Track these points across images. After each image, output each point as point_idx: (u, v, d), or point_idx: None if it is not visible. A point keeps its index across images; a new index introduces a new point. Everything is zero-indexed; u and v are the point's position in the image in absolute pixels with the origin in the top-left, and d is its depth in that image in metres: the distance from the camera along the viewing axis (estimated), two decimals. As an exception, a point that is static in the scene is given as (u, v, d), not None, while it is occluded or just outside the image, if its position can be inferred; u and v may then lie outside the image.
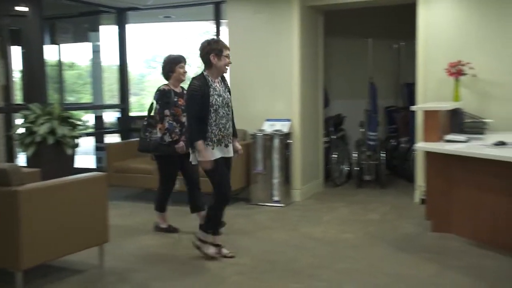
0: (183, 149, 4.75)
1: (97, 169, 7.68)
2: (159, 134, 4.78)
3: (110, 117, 9.37)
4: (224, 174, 4.17)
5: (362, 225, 5.22)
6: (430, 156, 4.81)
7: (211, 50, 4.11)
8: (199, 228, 4.34)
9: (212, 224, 4.26)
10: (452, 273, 3.85)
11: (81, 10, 8.20)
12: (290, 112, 6.36)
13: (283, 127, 6.22)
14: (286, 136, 6.18)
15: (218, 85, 4.16)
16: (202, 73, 4.17)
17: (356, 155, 7.18)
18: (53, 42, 8.56)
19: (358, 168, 7.14)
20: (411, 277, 3.81)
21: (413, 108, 5.43)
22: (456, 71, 5.60)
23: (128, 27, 8.27)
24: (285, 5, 6.33)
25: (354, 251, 4.43)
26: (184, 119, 4.78)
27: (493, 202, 4.30)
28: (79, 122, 6.62)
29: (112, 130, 8.78)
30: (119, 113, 8.53)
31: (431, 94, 5.95)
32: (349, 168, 7.54)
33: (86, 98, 10.09)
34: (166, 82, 4.90)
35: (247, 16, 6.58)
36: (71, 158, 6.49)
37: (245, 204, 6.18)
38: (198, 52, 4.16)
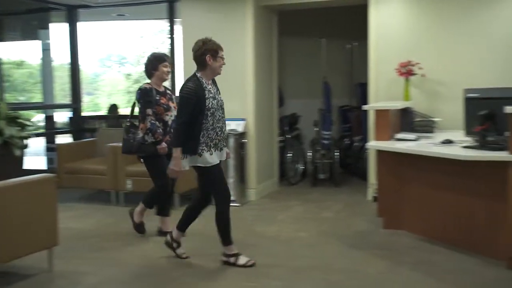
0: (165, 150, 4.62)
1: (48, 170, 7.47)
2: (141, 134, 4.64)
3: (62, 117, 9.14)
4: (223, 177, 4.12)
5: (317, 223, 5.27)
6: (381, 154, 4.90)
7: (207, 51, 3.97)
8: (223, 244, 4.09)
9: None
10: (403, 269, 3.93)
11: (29, 7, 7.96)
12: (245, 111, 6.36)
13: (238, 126, 6.21)
14: (241, 135, 6.17)
15: (211, 87, 4.02)
16: (195, 74, 3.99)
17: (311, 154, 7.25)
18: (0, 39, 8.29)
19: (313, 167, 7.21)
20: (363, 273, 3.87)
21: (365, 107, 5.52)
22: (406, 71, 5.74)
23: (80, 25, 8.09)
24: (239, 5, 6.33)
25: (309, 249, 4.46)
26: (167, 118, 4.68)
27: (442, 199, 4.42)
28: (28, 122, 6.43)
29: (64, 130, 8.57)
30: (71, 113, 8.33)
31: (383, 93, 6.07)
32: (304, 167, 7.61)
33: (38, 97, 9.81)
34: (148, 80, 4.78)
35: (201, 15, 6.54)
36: (19, 160, 6.29)
37: (200, 204, 6.13)
38: (192, 52, 4.02)
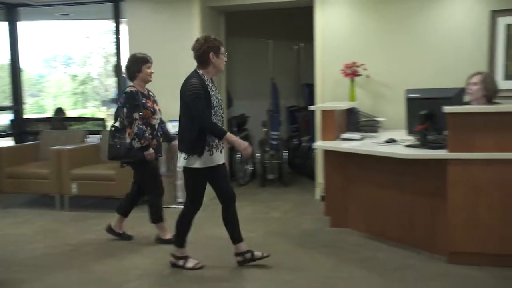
0: (152, 156, 4.52)
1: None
2: (128, 140, 4.48)
3: (3, 119, 8.80)
4: (226, 176, 4.04)
5: (265, 224, 5.29)
6: (328, 154, 4.97)
7: (209, 49, 3.89)
8: (175, 245, 4.08)
9: (238, 229, 4.11)
10: (349, 266, 4.00)
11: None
12: (193, 112, 6.31)
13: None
14: (188, 137, 6.12)
15: (211, 85, 3.92)
16: (196, 71, 3.90)
17: (260, 154, 7.27)
18: None
19: (262, 168, 7.24)
20: (311, 271, 3.91)
21: (311, 108, 5.59)
22: (351, 72, 5.84)
23: (21, 24, 7.82)
24: (186, 5, 6.29)
25: (257, 250, 4.45)
26: (154, 122, 4.56)
27: (386, 197, 4.52)
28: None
29: (5, 133, 8.26)
30: (12, 115, 8.04)
31: (329, 94, 6.17)
32: (252, 168, 7.63)
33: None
34: (131, 83, 4.63)
35: (147, 15, 6.46)
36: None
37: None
38: (194, 51, 3.94)
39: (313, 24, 6.21)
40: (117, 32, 7.25)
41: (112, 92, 10.46)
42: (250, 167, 7.60)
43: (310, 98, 7.26)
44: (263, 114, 7.52)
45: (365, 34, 6.06)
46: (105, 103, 11.97)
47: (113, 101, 8.96)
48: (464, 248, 3.90)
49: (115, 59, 7.39)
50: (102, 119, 8.98)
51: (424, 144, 4.20)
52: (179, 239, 4.05)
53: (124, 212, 4.83)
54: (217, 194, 4.07)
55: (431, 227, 4.19)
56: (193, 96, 3.74)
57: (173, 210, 5.90)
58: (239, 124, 7.71)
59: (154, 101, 4.71)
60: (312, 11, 6.21)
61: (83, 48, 13.32)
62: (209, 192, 6.41)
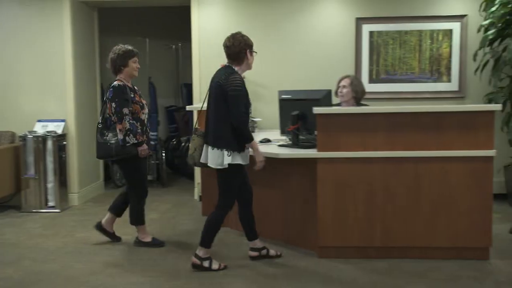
0: (146, 152, 4.35)
1: None
2: (120, 136, 4.20)
3: None
4: (247, 174, 3.98)
5: (142, 225, 5.18)
6: (205, 154, 4.98)
7: (246, 46, 3.80)
8: (199, 243, 3.91)
9: (254, 227, 4.05)
10: (228, 263, 4.03)
11: None
12: (65, 112, 6.03)
13: (57, 128, 5.87)
14: (60, 137, 5.83)
15: None
16: (232, 68, 3.80)
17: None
18: None
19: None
20: (184, 273, 3.90)
21: (189, 108, 5.57)
22: (228, 72, 5.90)
23: None
24: (55, 0, 5.97)
25: (131, 253, 4.37)
26: (143, 117, 4.36)
27: (260, 195, 4.60)
28: None
29: None
30: None
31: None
32: (130, 169, 7.43)
33: None
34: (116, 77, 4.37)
35: (14, 8, 6.03)
36: None
37: (15, 212, 5.70)
38: (228, 47, 3.84)
39: (190, 23, 6.20)
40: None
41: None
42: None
43: (189, 98, 7.25)
44: (140, 114, 7.35)
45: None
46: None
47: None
48: (332, 243, 4.12)
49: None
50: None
51: (296, 143, 4.36)
52: (209, 240, 3.90)
53: (117, 212, 4.62)
54: (240, 191, 3.99)
55: (303, 223, 4.36)
56: (237, 93, 3.69)
57: (43, 214, 5.63)
58: (115, 124, 7.48)
59: (140, 96, 4.50)
60: (189, 10, 6.19)
61: None
62: (83, 195, 6.18)
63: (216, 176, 3.92)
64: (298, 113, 4.34)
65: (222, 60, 6.02)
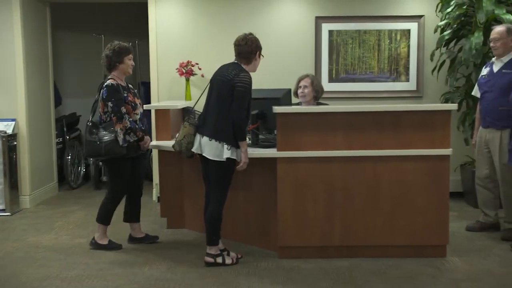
0: (149, 144, 4.44)
1: None
2: (121, 135, 4.18)
3: None
4: None
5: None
6: (163, 154, 4.93)
7: (258, 48, 3.93)
8: (207, 243, 4.02)
9: (218, 231, 4.02)
10: (183, 267, 4.01)
11: None
12: (15, 111, 5.85)
13: (7, 127, 5.71)
14: (10, 137, 5.66)
15: None
16: (240, 65, 3.91)
17: (93, 155, 6.97)
18: None
19: (96, 169, 6.95)
20: (144, 275, 3.85)
21: (146, 107, 5.48)
22: (186, 71, 5.87)
23: None
24: (5, -6, 5.80)
25: (86, 256, 4.28)
26: (136, 117, 4.33)
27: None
28: None
29: None
30: None
31: (165, 93, 6.15)
32: (85, 169, 7.30)
33: None
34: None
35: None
36: None
37: (-38, 216, 5.49)
38: (240, 46, 3.92)
39: (147, 20, 6.12)
40: None
41: None
42: (82, 169, 7.26)
43: (147, 97, 7.15)
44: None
45: (199, 33, 6.13)
46: None
47: None
48: (293, 242, 4.14)
49: None
50: None
51: (255, 143, 4.36)
52: (216, 237, 3.99)
53: (132, 219, 4.59)
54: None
55: (264, 223, 4.38)
56: (245, 90, 3.81)
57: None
58: (70, 124, 7.33)
59: (134, 94, 4.44)
60: (146, 6, 6.11)
61: None
62: (35, 197, 6.02)
63: (203, 169, 4.06)
64: (258, 112, 4.34)
65: (179, 58, 6.03)
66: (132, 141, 4.30)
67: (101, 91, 4.29)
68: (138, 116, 4.39)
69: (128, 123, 4.25)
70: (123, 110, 4.24)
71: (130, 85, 4.53)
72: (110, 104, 4.21)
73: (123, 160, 4.33)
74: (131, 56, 4.41)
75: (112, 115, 4.21)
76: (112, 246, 4.44)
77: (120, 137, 4.21)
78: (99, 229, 4.46)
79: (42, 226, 5.18)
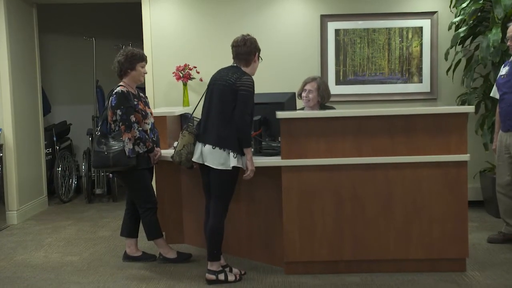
0: (160, 156, 4.43)
1: None
2: (129, 146, 4.17)
3: None
4: None
5: (91, 244, 5.10)
6: (159, 164, 4.90)
7: (256, 49, 4.00)
8: (208, 259, 4.00)
9: (220, 246, 4.00)
10: (183, 285, 4.02)
11: None
12: (1, 120, 5.89)
13: (-7, 138, 5.72)
14: (-4, 148, 5.69)
15: None
16: (240, 68, 3.96)
17: (85, 166, 6.99)
18: None
19: (88, 181, 6.96)
20: (140, 295, 3.86)
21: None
22: (184, 75, 5.89)
23: None
24: (-11, -5, 5.84)
25: (79, 275, 4.28)
26: (147, 127, 4.35)
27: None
28: None
29: None
30: None
31: (161, 98, 6.17)
32: (77, 182, 7.32)
33: None
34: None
35: None
36: None
37: None
38: (239, 47, 3.97)
39: (141, 21, 6.15)
40: None
41: None
42: (74, 181, 7.28)
43: (141, 103, 7.18)
44: (88, 121, 7.25)
45: (196, 35, 6.15)
46: None
47: None
48: (300, 257, 4.13)
49: None
50: None
51: (258, 151, 4.36)
52: (217, 251, 3.98)
53: (130, 234, 4.61)
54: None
55: (268, 237, 4.37)
56: (249, 94, 3.85)
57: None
58: (60, 133, 7.35)
59: (146, 103, 4.46)
60: (139, 7, 6.15)
61: None
62: (23, 212, 6.03)
63: (203, 179, 4.08)
64: (261, 118, 4.35)
65: (176, 61, 6.05)
66: (141, 152, 4.28)
67: (110, 98, 4.30)
68: (149, 126, 4.40)
69: (137, 132, 4.24)
70: (132, 118, 4.23)
71: (141, 94, 4.53)
72: (119, 112, 4.21)
73: (137, 171, 4.33)
74: (144, 63, 4.44)
75: (121, 123, 4.22)
76: (183, 257, 4.54)
77: (127, 147, 4.20)
78: (158, 244, 4.52)
79: (31, 244, 5.19)
